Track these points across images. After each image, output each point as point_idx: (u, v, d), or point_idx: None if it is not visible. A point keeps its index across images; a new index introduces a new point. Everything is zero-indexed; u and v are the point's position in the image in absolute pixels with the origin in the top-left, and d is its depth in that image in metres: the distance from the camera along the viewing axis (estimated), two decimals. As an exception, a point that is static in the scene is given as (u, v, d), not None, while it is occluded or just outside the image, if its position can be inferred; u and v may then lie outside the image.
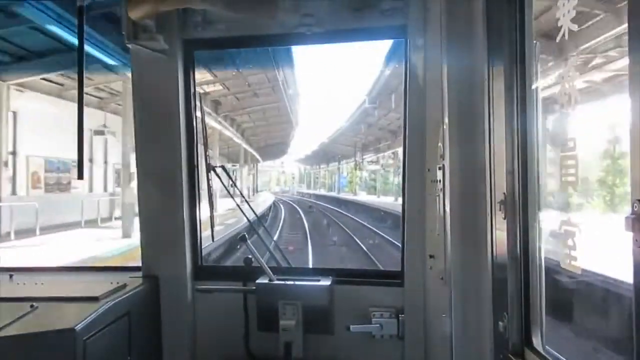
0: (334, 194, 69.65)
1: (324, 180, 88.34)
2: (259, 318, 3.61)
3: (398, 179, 43.47)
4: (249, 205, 4.21)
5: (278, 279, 3.59)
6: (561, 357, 2.12)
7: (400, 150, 3.45)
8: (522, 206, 2.26)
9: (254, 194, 54.08)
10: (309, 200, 65.41)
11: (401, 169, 3.65)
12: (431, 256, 3.28)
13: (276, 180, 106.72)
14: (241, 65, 21.65)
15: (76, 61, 3.10)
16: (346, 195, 61.74)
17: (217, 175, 3.88)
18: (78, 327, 2.52)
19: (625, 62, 1.49)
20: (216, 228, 3.99)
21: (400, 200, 3.88)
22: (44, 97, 22.69)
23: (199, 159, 3.81)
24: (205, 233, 3.98)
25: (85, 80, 3.14)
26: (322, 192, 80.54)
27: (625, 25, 1.43)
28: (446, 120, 2.81)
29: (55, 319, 2.75)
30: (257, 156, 58.95)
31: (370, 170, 59.65)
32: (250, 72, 24.29)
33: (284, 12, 3.13)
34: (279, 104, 33.70)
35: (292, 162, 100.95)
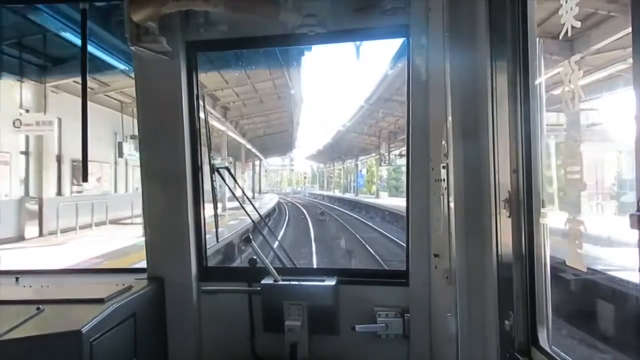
0: (350, 195, 59.67)
1: (338, 180, 77.26)
2: (264, 319, 3.61)
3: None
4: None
5: (283, 280, 3.59)
6: (566, 356, 2.11)
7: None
8: (526, 204, 2.26)
9: (253, 197, 42.96)
10: (321, 204, 54.49)
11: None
12: (436, 255, 3.28)
13: (288, 180, 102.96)
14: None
15: (80, 63, 3.12)
16: (365, 198, 51.29)
17: (221, 176, 3.89)
18: (84, 329, 2.53)
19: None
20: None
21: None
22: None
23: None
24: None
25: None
26: (337, 193, 69.87)
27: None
28: (449, 119, 2.80)
29: (62, 321, 2.76)
30: (253, 150, 45.83)
31: (397, 165, 45.38)
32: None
33: (287, 13, 3.13)
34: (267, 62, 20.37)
35: (304, 160, 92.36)
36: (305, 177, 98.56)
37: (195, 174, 3.74)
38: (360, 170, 62.68)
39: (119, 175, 28.80)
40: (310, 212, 39.66)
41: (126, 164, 29.40)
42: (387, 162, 43.49)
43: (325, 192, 76.30)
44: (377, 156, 46.48)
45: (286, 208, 44.31)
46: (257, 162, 58.18)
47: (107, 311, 2.81)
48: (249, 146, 41.46)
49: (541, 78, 2.22)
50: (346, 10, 3.38)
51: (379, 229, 28.88)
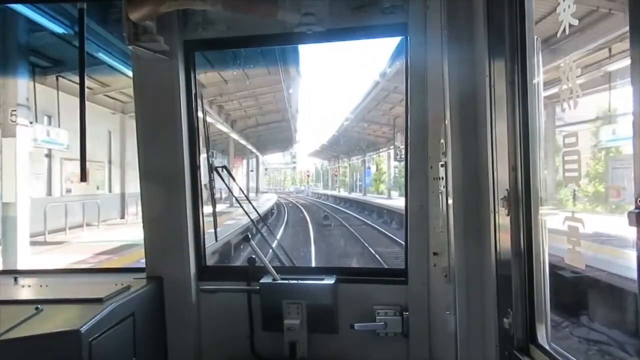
0: (356, 195, 53.57)
1: (344, 179, 71.03)
2: (263, 318, 3.61)
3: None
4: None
5: (282, 279, 3.59)
6: (565, 353, 2.12)
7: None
8: (525, 202, 2.26)
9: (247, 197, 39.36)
10: (324, 205, 48.40)
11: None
12: (435, 253, 3.28)
13: (291, 179, 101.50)
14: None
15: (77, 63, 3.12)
16: (375, 198, 44.37)
17: (220, 175, 3.89)
18: (83, 329, 2.53)
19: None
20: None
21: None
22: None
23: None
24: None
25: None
26: (343, 193, 63.65)
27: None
28: (448, 117, 2.81)
29: (60, 321, 2.76)
30: (243, 142, 38.33)
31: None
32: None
33: (285, 12, 3.13)
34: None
35: (307, 158, 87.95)
36: (308, 176, 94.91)
37: (194, 173, 3.74)
38: (369, 168, 57.50)
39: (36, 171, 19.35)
40: (313, 216, 34.60)
41: (50, 155, 20.96)
42: (402, 157, 37.00)
43: (329, 192, 71.78)
44: (390, 149, 41.48)
45: (285, 210, 39.97)
46: (252, 159, 53.22)
47: (106, 311, 2.81)
48: (235, 136, 34.28)
49: (539, 76, 2.22)
50: (344, 9, 3.38)
51: (399, 240, 21.26)
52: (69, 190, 22.39)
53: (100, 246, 15.97)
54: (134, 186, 25.83)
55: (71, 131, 19.36)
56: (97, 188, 24.92)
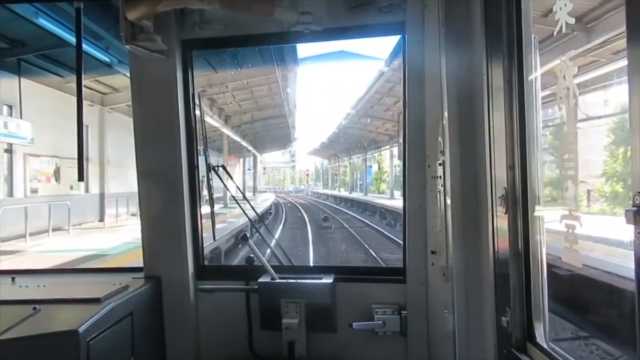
0: (357, 194, 51.93)
1: (344, 178, 69.22)
2: (261, 317, 3.61)
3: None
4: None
5: (280, 278, 3.59)
6: (563, 352, 2.12)
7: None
8: (522, 201, 2.27)
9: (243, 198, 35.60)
10: (324, 205, 46.83)
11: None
12: (433, 252, 3.29)
13: (291, 178, 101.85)
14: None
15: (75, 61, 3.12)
16: (377, 198, 42.05)
17: (218, 174, 3.89)
18: (81, 329, 2.53)
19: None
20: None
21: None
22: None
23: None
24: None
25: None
26: (343, 192, 61.53)
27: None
28: (446, 115, 2.81)
29: (58, 321, 2.75)
30: (238, 139, 36.22)
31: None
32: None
33: (282, 11, 3.13)
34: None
35: (307, 156, 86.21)
36: (308, 175, 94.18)
37: (192, 173, 3.74)
38: (370, 166, 55.64)
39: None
40: (312, 217, 32.92)
41: (10, 150, 18.72)
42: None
43: (329, 191, 69.87)
44: (394, 147, 39.33)
45: (283, 211, 38.61)
46: (249, 158, 52.15)
47: (104, 310, 2.81)
48: (227, 132, 32.19)
49: (537, 73, 2.23)
50: (342, 8, 3.38)
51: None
52: (34, 191, 19.79)
53: (60, 257, 13.62)
54: (115, 185, 24.71)
55: (37, 124, 17.51)
56: (71, 188, 21.76)
